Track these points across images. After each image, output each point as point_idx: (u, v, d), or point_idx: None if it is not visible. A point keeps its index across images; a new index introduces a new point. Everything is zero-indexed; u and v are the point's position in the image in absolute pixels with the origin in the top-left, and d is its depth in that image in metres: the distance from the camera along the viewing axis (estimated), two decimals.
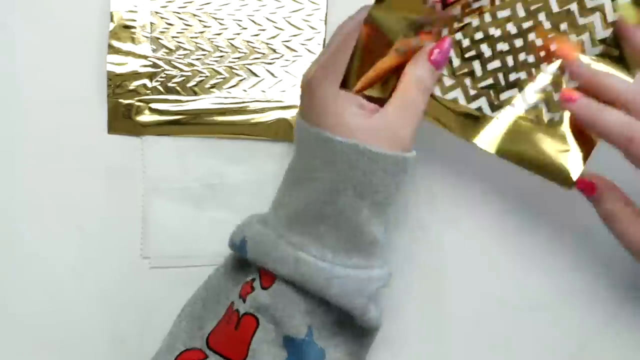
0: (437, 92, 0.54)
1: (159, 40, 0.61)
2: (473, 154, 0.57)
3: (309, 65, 0.54)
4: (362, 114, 0.51)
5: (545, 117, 0.53)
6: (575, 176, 0.52)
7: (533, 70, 0.54)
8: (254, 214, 0.54)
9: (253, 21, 0.61)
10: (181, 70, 0.61)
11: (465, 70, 0.54)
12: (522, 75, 0.54)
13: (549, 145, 0.53)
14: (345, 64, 0.51)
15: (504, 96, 0.54)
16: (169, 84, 0.61)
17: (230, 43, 0.61)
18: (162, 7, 0.61)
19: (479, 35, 0.54)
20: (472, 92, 0.54)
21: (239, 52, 0.61)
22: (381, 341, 0.60)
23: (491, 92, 0.54)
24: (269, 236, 0.51)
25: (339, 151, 0.50)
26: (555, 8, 0.53)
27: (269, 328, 0.50)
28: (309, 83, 0.52)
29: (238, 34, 0.61)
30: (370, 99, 0.53)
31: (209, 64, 0.61)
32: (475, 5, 0.54)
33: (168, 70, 0.61)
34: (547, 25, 0.53)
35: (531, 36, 0.53)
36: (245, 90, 0.61)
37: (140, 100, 0.61)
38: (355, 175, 0.50)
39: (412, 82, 0.52)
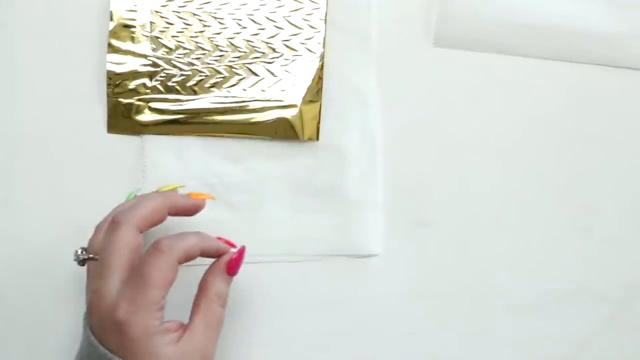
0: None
1: (159, 40, 0.61)
2: (473, 153, 0.57)
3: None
4: (170, 339, 0.51)
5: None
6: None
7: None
8: None
9: (253, 20, 0.61)
10: (181, 69, 0.61)
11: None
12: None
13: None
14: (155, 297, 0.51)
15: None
16: (169, 83, 0.61)
17: (230, 42, 0.61)
18: (162, 6, 0.61)
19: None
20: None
21: (239, 51, 0.61)
22: (383, 340, 0.60)
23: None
24: None
25: None
26: None
27: None
28: (120, 320, 0.50)
29: (238, 33, 0.61)
30: None
31: (208, 63, 0.61)
32: None
33: (168, 69, 0.61)
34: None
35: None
36: (244, 90, 0.61)
37: (140, 100, 0.61)
38: None
39: (213, 299, 0.53)
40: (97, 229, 0.55)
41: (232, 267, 0.54)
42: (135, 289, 0.50)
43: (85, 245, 0.55)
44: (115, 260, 0.51)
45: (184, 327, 0.52)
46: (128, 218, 0.51)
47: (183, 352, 0.51)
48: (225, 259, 0.54)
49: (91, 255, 0.54)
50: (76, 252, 0.54)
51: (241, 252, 0.54)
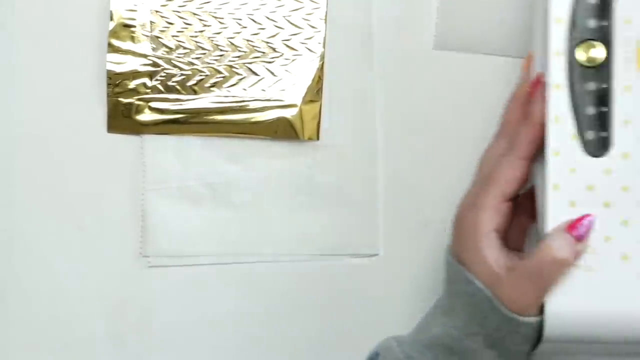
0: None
1: (159, 39, 0.61)
2: (473, 153, 0.56)
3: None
4: (501, 265, 0.51)
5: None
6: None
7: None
8: (393, 336, 0.54)
9: (253, 20, 0.61)
10: (181, 69, 0.61)
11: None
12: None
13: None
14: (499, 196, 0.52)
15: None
16: (169, 83, 0.61)
17: (230, 42, 0.61)
18: (162, 5, 0.61)
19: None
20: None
21: (239, 50, 0.61)
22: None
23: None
24: (399, 356, 0.52)
25: (477, 298, 0.50)
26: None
27: None
28: (458, 214, 0.53)
29: (238, 32, 0.61)
30: None
31: (208, 63, 0.61)
32: None
33: (168, 69, 0.61)
34: None
35: None
36: (245, 89, 0.61)
37: (140, 99, 0.61)
38: (488, 326, 0.50)
39: (550, 249, 0.51)
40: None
41: (572, 226, 0.51)
42: (478, 188, 0.52)
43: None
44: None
45: (518, 254, 0.52)
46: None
47: (507, 267, 0.50)
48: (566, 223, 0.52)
49: None
50: None
51: (582, 218, 0.52)
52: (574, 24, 0.53)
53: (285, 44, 0.61)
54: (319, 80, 0.61)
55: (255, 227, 0.61)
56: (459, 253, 0.52)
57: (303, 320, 0.61)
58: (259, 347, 0.61)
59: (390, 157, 0.61)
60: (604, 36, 0.53)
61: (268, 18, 0.61)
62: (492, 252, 0.51)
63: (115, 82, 0.60)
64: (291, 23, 0.61)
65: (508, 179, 0.52)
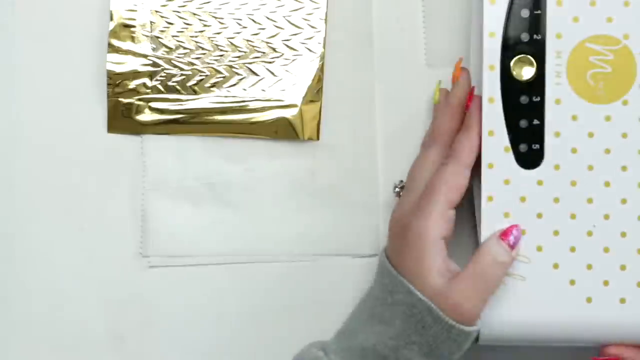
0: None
1: (159, 39, 0.61)
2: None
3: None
4: (444, 274, 0.52)
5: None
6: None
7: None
8: (314, 342, 0.55)
9: (253, 20, 0.61)
10: (181, 69, 0.61)
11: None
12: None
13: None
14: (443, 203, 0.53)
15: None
16: (169, 83, 0.61)
17: (230, 42, 0.61)
18: (162, 6, 0.61)
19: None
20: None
21: (239, 51, 0.61)
22: None
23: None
24: None
25: (418, 309, 0.51)
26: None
27: None
28: (399, 221, 0.54)
29: (238, 32, 0.61)
30: None
31: (208, 63, 0.61)
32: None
33: (168, 69, 0.61)
34: None
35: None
36: (245, 89, 0.61)
37: (140, 99, 0.61)
38: (427, 335, 0.51)
39: (485, 256, 0.53)
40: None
41: (504, 234, 0.53)
42: (418, 196, 0.53)
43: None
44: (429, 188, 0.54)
45: (456, 272, 0.52)
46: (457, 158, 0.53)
47: (450, 276, 0.52)
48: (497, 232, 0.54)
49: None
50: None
51: (512, 227, 0.54)
52: (507, 38, 0.54)
53: (285, 44, 0.61)
54: (319, 80, 0.61)
55: (255, 227, 0.61)
56: (399, 261, 0.53)
57: (303, 320, 0.61)
58: (259, 347, 0.61)
59: (390, 157, 0.61)
60: (537, 50, 0.54)
61: (268, 18, 0.61)
62: (436, 262, 0.52)
63: (116, 82, 0.61)
64: (291, 23, 0.61)
65: (452, 186, 0.53)
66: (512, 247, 0.53)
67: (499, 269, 0.52)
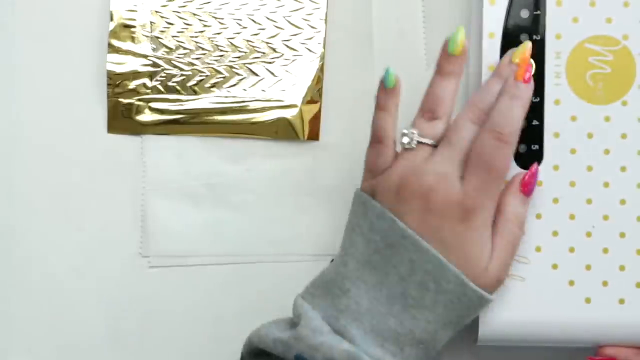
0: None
1: (159, 40, 0.61)
2: None
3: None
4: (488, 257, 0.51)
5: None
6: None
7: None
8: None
9: (253, 20, 0.61)
10: (181, 69, 0.61)
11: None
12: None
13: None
14: None
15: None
16: (169, 83, 0.61)
17: (230, 42, 0.61)
18: (162, 6, 0.61)
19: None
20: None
21: (239, 51, 0.61)
22: None
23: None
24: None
25: (468, 297, 0.50)
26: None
27: None
28: (468, 208, 0.51)
29: (238, 33, 0.61)
30: None
31: (209, 63, 0.61)
32: None
33: (168, 69, 0.61)
34: None
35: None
36: (245, 90, 0.61)
37: (140, 100, 0.61)
38: (466, 316, 0.51)
39: (510, 218, 0.52)
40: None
41: (525, 186, 0.53)
42: (485, 181, 0.50)
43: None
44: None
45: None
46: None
47: (489, 269, 0.51)
48: (517, 178, 0.53)
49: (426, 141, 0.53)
50: (410, 133, 0.54)
51: (532, 172, 0.53)
52: (506, 38, 0.54)
53: (285, 45, 0.61)
54: (319, 80, 0.61)
55: (255, 227, 0.61)
56: (449, 245, 0.50)
57: None
58: None
59: None
60: (536, 51, 0.53)
61: (268, 18, 0.61)
62: (488, 248, 0.51)
63: (116, 82, 0.61)
64: (291, 23, 0.61)
65: (507, 171, 0.52)
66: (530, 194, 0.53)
67: (522, 225, 0.52)
